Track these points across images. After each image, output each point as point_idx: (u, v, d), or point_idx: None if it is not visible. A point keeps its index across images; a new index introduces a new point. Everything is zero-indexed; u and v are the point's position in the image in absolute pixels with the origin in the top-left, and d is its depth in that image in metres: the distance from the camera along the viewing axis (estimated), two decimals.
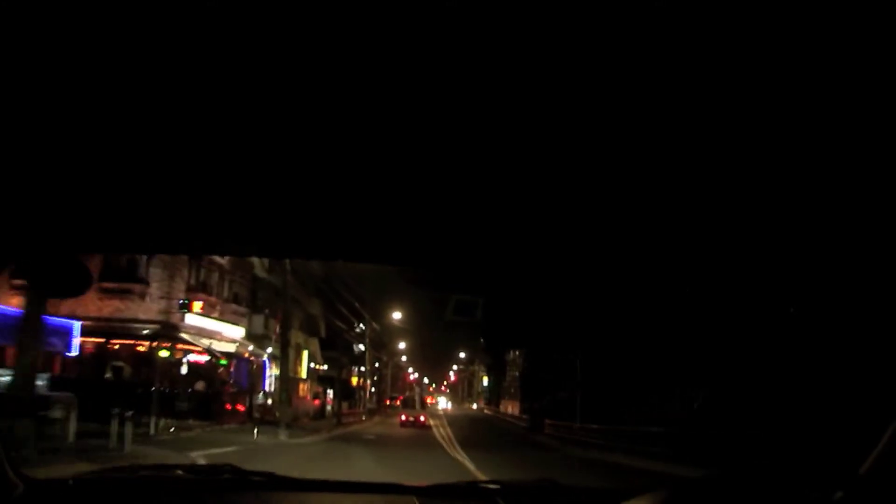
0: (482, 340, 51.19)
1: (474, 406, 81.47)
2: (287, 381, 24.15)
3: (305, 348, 36.38)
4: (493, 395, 63.98)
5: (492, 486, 2.11)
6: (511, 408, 50.78)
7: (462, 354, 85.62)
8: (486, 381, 79.39)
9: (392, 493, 2.07)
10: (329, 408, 34.61)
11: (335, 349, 37.48)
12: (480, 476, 9.34)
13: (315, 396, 35.47)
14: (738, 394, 15.04)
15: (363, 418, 38.05)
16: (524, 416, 39.42)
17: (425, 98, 1.13)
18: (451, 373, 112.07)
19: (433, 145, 1.28)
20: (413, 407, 34.80)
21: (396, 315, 40.82)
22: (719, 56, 0.98)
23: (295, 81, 1.10)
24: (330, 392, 36.34)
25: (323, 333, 38.21)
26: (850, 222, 1.39)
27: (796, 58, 0.97)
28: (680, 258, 1.72)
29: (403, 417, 32.09)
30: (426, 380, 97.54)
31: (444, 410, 60.64)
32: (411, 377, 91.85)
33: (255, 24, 0.96)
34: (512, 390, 52.67)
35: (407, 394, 43.48)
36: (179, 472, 1.98)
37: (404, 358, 78.82)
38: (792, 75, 1.01)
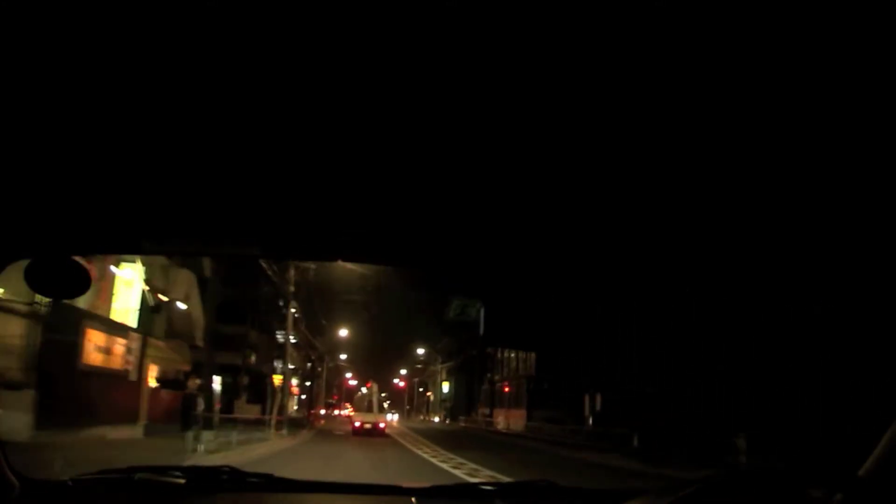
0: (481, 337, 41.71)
1: (435, 419, 63.85)
2: None
3: (141, 263, 17.45)
4: (475, 401, 48.47)
5: (490, 486, 2.27)
6: (505, 418, 38.28)
7: (420, 350, 69.09)
8: (446, 387, 63.37)
9: (390, 495, 2.21)
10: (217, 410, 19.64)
11: (247, 324, 26.10)
12: None
13: (168, 384, 18.07)
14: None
15: (283, 432, 22.52)
16: (531, 426, 32.55)
17: (429, 99, 1.17)
18: (398, 380, 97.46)
19: (437, 147, 1.32)
20: (369, 410, 30.29)
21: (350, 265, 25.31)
22: (730, 48, 1.01)
23: (291, 80, 1.13)
24: (217, 382, 19.53)
25: (208, 272, 20.93)
26: (844, 223, 1.41)
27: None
28: (686, 252, 1.75)
29: (357, 424, 28.62)
30: (364, 390, 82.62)
31: (394, 423, 43.42)
32: (351, 382, 78.25)
33: (254, 24, 0.99)
34: (510, 396, 39.53)
35: (359, 394, 38.93)
36: (177, 473, 2.07)
37: (344, 356, 63.55)
38: (809, 65, 1.03)
